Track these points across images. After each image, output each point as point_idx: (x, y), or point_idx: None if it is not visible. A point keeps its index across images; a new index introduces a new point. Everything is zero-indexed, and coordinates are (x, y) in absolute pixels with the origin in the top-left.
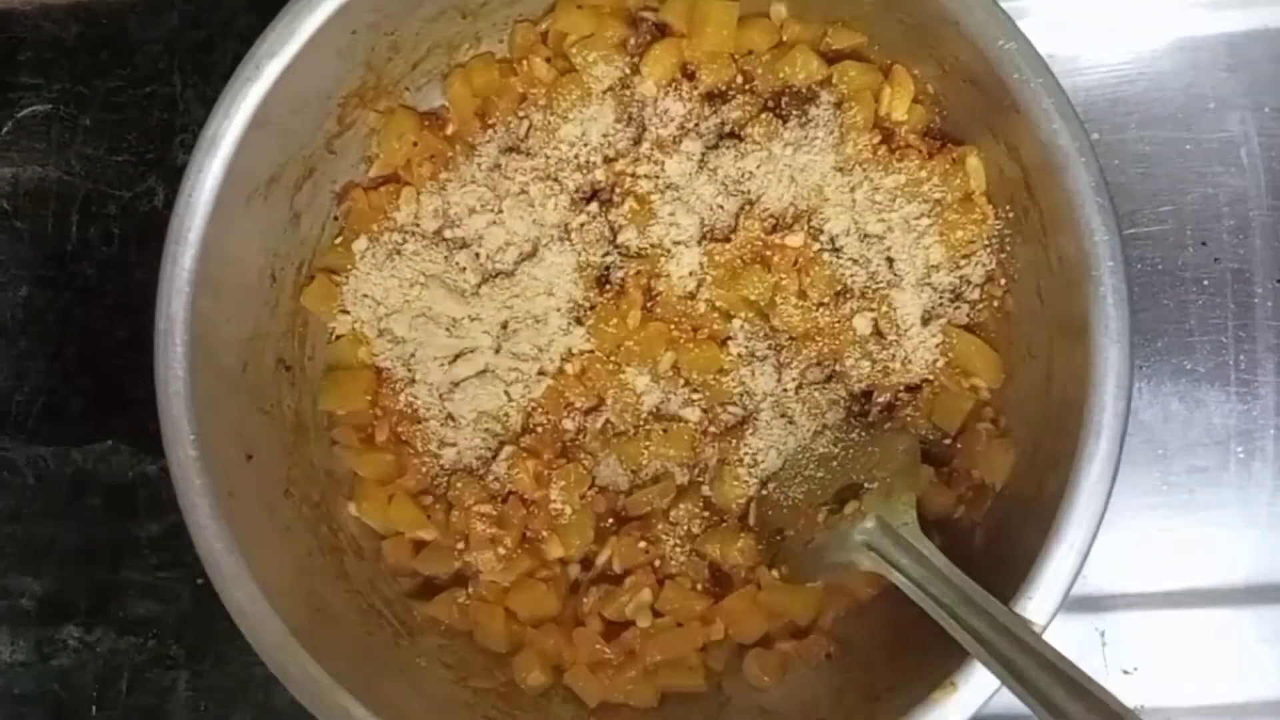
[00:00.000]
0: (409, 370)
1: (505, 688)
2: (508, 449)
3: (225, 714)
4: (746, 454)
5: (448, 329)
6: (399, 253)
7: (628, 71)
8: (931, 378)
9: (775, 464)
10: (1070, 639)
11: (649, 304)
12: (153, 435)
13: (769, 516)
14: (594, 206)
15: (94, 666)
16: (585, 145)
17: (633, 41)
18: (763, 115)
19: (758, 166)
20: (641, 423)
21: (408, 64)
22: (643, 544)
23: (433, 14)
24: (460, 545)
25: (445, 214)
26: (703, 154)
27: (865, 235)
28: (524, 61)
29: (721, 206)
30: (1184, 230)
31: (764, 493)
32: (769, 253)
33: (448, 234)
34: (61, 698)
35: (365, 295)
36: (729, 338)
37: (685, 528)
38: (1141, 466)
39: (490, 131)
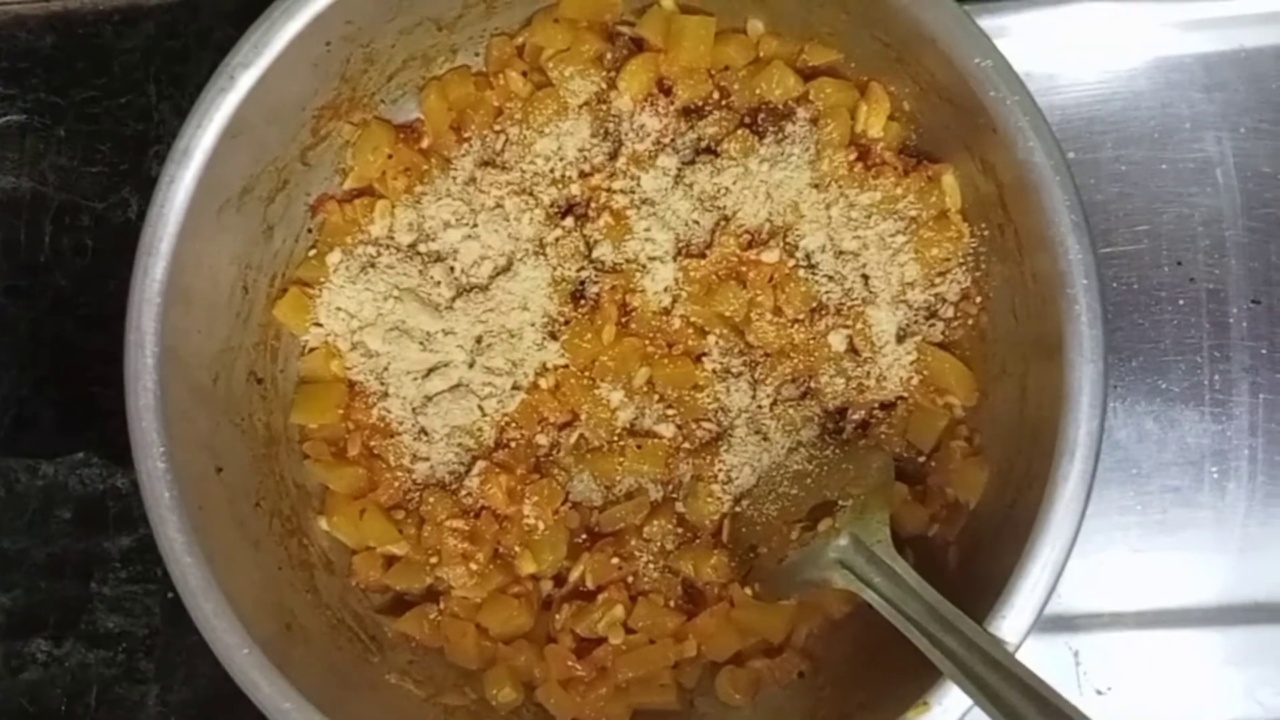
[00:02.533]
0: (382, 384)
1: (476, 705)
2: (481, 464)
3: None
4: (721, 470)
5: (421, 343)
6: (373, 266)
7: (604, 86)
8: (906, 395)
9: (749, 481)
10: (1044, 659)
11: (624, 319)
12: (124, 448)
13: (743, 533)
14: (569, 221)
15: (62, 680)
16: (561, 160)
17: (609, 56)
18: (739, 131)
19: (734, 182)
20: (615, 438)
21: (383, 76)
22: (616, 560)
23: (408, 26)
24: (432, 560)
25: (420, 227)
26: (679, 169)
27: (841, 252)
28: (500, 75)
29: (697, 222)
30: (1159, 250)
31: (738, 509)
32: (744, 269)
33: (422, 248)
34: (30, 711)
35: (338, 308)
36: (704, 354)
37: (659, 544)
38: (1116, 486)
39: (466, 145)
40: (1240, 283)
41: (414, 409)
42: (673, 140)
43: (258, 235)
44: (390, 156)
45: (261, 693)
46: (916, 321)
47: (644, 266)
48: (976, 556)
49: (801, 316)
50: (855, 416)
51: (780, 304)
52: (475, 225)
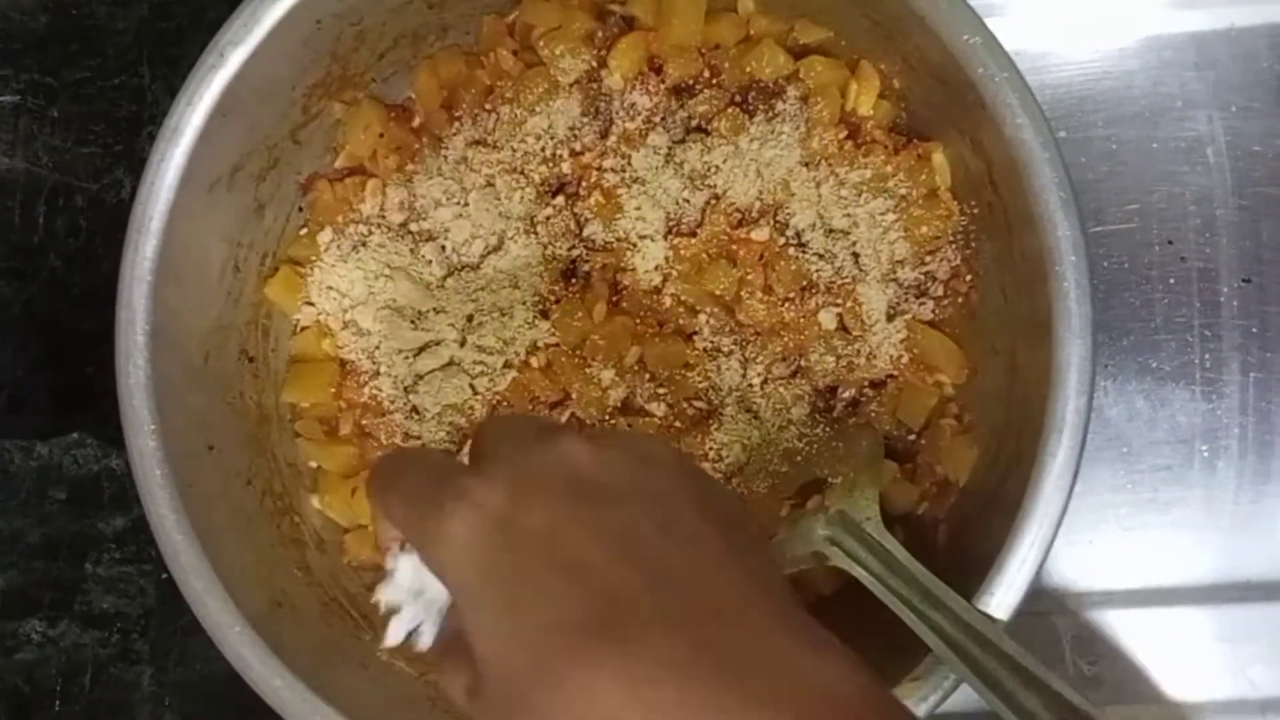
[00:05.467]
0: (373, 363)
1: None
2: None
3: (189, 710)
4: (711, 448)
5: (413, 321)
6: (364, 244)
7: (595, 65)
8: (896, 373)
9: (740, 458)
10: (1033, 636)
11: (615, 298)
12: (119, 429)
13: None
14: (560, 199)
15: (57, 661)
16: (552, 138)
17: (600, 34)
18: (729, 109)
19: (724, 161)
20: (607, 417)
21: (374, 54)
22: None
23: (399, 4)
24: None
25: (411, 206)
26: (669, 148)
27: (831, 230)
28: (491, 54)
29: (688, 200)
30: (1150, 228)
31: (728, 488)
32: (735, 247)
33: (413, 226)
34: (24, 692)
35: (330, 287)
36: (694, 332)
37: None
38: (1106, 465)
39: (457, 124)
40: (1231, 261)
41: (405, 387)
42: (663, 119)
43: (249, 213)
44: (381, 135)
45: (253, 670)
46: (906, 299)
47: (634, 245)
48: (966, 534)
49: (792, 295)
50: (845, 395)
51: (771, 282)
52: (466, 204)
